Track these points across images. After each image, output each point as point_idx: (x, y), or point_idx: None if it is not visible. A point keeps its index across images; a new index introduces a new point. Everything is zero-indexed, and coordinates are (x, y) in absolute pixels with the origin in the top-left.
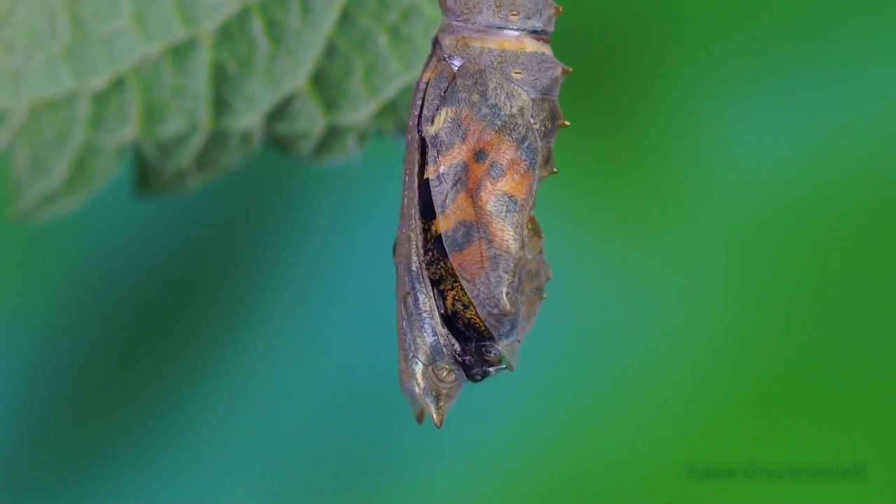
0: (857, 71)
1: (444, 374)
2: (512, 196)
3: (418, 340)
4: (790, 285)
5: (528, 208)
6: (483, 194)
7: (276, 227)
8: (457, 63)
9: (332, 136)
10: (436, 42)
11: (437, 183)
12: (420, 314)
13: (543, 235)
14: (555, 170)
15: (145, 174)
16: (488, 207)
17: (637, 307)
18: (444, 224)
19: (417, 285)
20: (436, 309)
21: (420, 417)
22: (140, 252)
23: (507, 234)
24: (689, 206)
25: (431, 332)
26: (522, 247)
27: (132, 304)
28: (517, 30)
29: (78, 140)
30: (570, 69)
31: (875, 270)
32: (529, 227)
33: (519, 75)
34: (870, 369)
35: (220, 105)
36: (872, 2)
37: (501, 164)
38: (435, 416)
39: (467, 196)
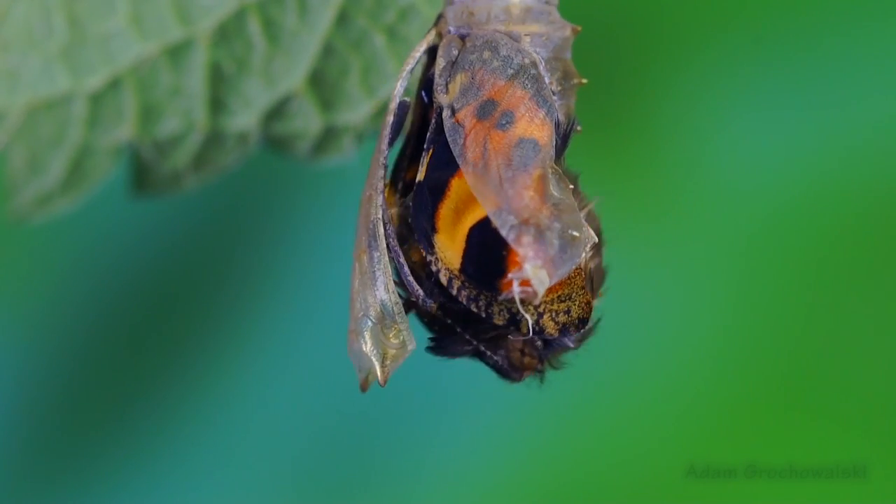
0: (857, 71)
1: (393, 334)
2: (530, 139)
3: (370, 299)
4: (791, 285)
5: (551, 156)
6: (498, 142)
7: (273, 227)
8: (464, 32)
9: (328, 137)
10: (440, 18)
11: (453, 140)
12: (374, 272)
13: (571, 186)
14: (578, 128)
15: (142, 174)
16: (506, 154)
17: (637, 307)
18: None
19: (374, 242)
20: (388, 266)
21: (364, 385)
22: (137, 252)
23: (529, 175)
24: (688, 205)
25: (384, 289)
26: (547, 163)
27: (129, 304)
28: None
29: (74, 140)
30: (579, 28)
31: (876, 269)
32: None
33: (528, 37)
34: (870, 369)
35: (217, 105)
36: (872, 2)
37: (512, 113)
38: (379, 375)
39: (481, 147)
